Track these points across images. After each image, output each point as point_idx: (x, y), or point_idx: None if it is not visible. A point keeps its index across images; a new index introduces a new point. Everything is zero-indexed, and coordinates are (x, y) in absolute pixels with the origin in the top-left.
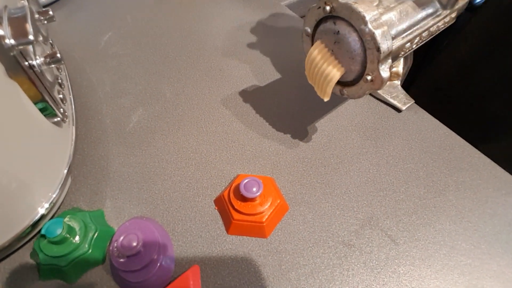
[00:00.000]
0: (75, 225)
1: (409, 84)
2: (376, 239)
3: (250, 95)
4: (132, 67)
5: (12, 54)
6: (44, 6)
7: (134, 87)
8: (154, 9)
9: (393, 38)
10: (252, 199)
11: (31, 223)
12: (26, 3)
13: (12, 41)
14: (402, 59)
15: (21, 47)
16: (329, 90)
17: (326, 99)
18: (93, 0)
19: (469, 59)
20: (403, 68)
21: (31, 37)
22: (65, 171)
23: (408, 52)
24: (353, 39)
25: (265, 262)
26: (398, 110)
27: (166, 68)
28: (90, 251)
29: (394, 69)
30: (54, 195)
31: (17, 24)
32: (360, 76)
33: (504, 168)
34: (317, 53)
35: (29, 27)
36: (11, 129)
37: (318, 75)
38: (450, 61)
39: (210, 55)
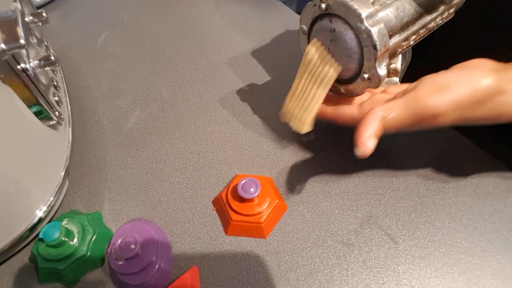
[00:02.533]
0: (73, 228)
1: (408, 80)
2: (375, 238)
3: (247, 94)
4: (129, 67)
5: (4, 58)
6: (39, 8)
7: (131, 88)
8: (150, 8)
9: (390, 36)
10: (250, 200)
11: (29, 226)
12: (18, 6)
13: (3, 46)
14: (400, 56)
15: (13, 51)
16: (316, 109)
17: (304, 131)
18: (88, 0)
19: (471, 55)
20: (402, 65)
21: (22, 41)
22: (62, 173)
23: (406, 49)
24: (349, 37)
25: (264, 262)
26: None
27: (163, 67)
28: (88, 254)
29: (392, 66)
30: (51, 198)
31: (8, 28)
32: (358, 74)
33: (504, 165)
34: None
35: (20, 31)
36: (6, 134)
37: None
38: (450, 57)
39: (207, 54)
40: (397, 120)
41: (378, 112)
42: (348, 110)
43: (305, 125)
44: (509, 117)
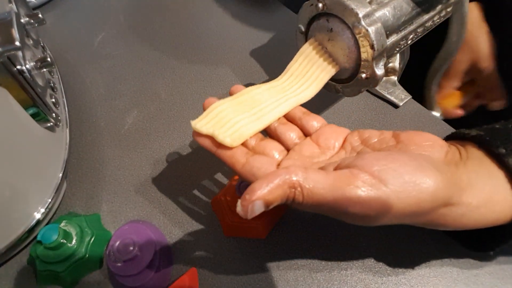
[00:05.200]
0: (71, 230)
1: (406, 79)
2: (374, 238)
3: None
4: (126, 68)
5: None
6: (35, 8)
7: (128, 88)
8: (147, 8)
9: (387, 35)
10: None
11: (27, 229)
12: (14, 7)
13: None
14: (398, 55)
15: (8, 53)
16: (287, 108)
17: (235, 144)
18: (85, 1)
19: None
20: (400, 64)
21: (17, 43)
22: (60, 175)
23: (404, 48)
24: (346, 36)
25: (263, 263)
26: (395, 106)
27: (160, 68)
28: (87, 255)
29: (390, 65)
30: (49, 200)
31: (3, 30)
32: (355, 73)
33: None
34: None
35: (15, 32)
36: (2, 136)
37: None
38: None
39: (205, 54)
40: (313, 198)
41: (295, 174)
42: (261, 166)
43: (239, 140)
44: (452, 228)
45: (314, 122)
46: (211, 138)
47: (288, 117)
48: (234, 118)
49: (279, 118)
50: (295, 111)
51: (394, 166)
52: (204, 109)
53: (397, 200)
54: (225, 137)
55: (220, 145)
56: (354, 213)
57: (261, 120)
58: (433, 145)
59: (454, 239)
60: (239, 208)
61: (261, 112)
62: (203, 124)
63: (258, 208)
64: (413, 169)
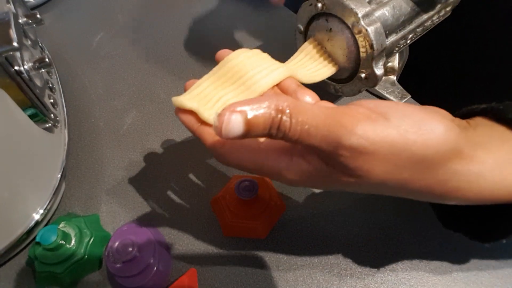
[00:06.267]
0: (70, 231)
1: (406, 78)
2: (374, 237)
3: None
4: (125, 68)
5: None
6: (33, 9)
7: (127, 88)
8: (146, 8)
9: (386, 35)
10: (248, 200)
11: (26, 230)
12: (11, 8)
13: None
14: (397, 54)
15: (6, 54)
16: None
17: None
18: (83, 1)
19: (467, 52)
20: (399, 63)
21: (15, 43)
22: (59, 176)
23: (403, 48)
24: (346, 36)
25: (263, 263)
26: None
27: (159, 68)
28: (86, 256)
29: (389, 64)
30: (48, 201)
31: (1, 31)
32: (355, 73)
33: None
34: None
35: (13, 33)
36: (0, 137)
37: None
38: (448, 55)
39: (204, 54)
40: (302, 127)
41: (286, 100)
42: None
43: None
44: (466, 197)
45: (308, 96)
46: (194, 114)
47: (281, 89)
48: (219, 93)
49: (272, 87)
50: (289, 82)
51: (396, 105)
52: (185, 91)
53: (399, 135)
54: (210, 115)
55: (202, 122)
56: (348, 154)
57: (251, 90)
58: (438, 110)
59: (460, 231)
60: (215, 120)
61: (251, 80)
62: (187, 99)
63: (235, 125)
64: (418, 110)
